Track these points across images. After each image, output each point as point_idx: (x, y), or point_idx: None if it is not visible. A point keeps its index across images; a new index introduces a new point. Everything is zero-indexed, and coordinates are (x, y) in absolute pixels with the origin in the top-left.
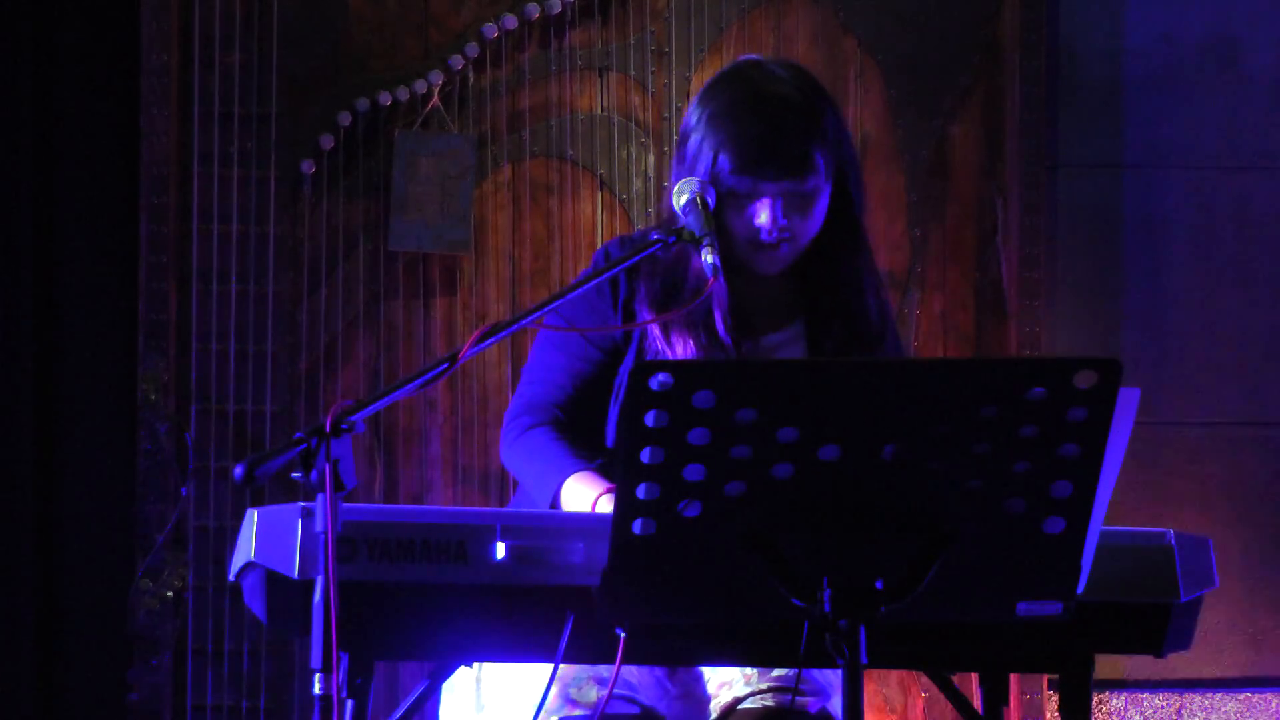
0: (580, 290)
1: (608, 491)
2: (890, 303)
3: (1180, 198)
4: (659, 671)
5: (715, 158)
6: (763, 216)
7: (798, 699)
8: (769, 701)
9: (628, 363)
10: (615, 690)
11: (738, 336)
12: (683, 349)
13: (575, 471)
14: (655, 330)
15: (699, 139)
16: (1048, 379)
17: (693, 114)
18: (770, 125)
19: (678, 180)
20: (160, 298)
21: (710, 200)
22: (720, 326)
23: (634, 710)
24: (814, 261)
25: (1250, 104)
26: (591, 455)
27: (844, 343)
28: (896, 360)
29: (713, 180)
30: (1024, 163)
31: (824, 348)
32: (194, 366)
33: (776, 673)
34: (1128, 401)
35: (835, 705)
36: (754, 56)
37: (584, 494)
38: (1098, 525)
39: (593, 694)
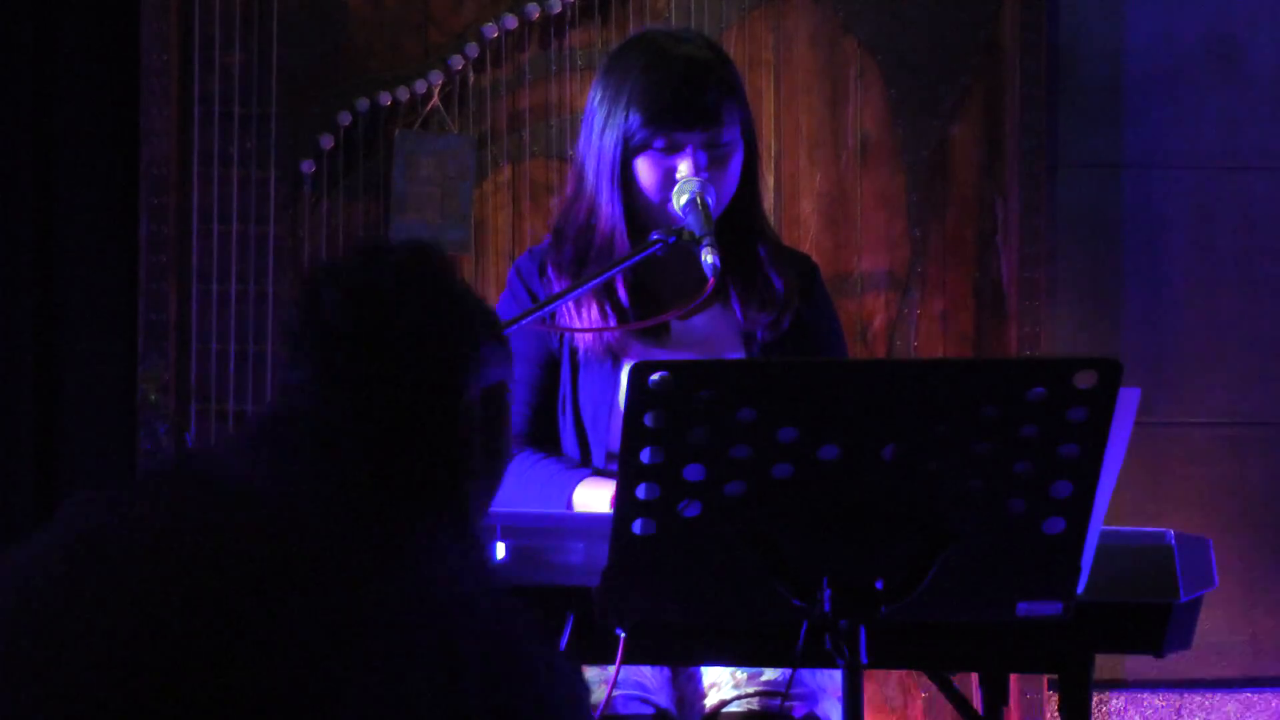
0: (570, 295)
1: None
2: (792, 278)
3: (1180, 198)
4: (667, 672)
5: (626, 116)
6: (683, 167)
7: (784, 703)
8: (754, 706)
9: (565, 373)
10: (630, 690)
11: (652, 315)
12: (592, 323)
13: (581, 479)
14: (574, 322)
15: (608, 104)
16: (1048, 379)
17: (597, 86)
18: (684, 74)
19: (585, 158)
20: (160, 298)
21: (710, 200)
22: (625, 304)
23: (649, 711)
24: (722, 236)
25: (1250, 104)
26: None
27: (768, 317)
28: (896, 360)
29: (624, 143)
30: (1024, 163)
31: (749, 316)
32: (194, 366)
33: (766, 676)
34: (1128, 401)
35: (825, 709)
36: (655, 26)
37: (599, 495)
38: (1098, 525)
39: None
